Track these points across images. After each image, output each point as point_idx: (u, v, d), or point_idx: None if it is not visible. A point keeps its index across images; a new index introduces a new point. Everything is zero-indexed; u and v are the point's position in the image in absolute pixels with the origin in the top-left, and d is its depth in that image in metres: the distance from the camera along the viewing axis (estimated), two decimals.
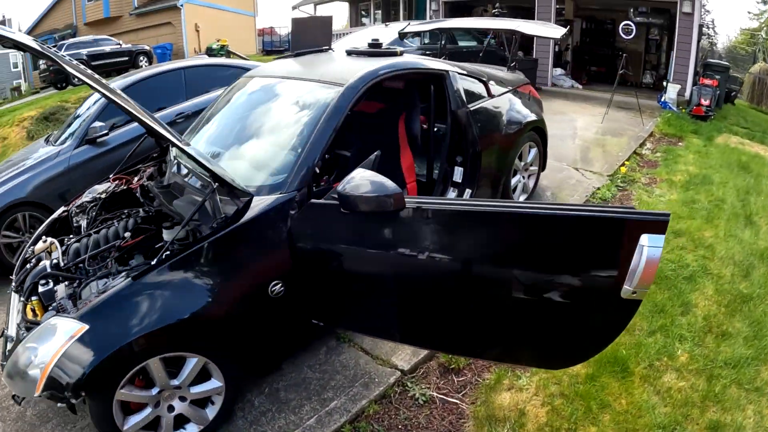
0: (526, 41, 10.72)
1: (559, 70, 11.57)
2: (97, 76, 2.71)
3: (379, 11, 17.84)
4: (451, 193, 4.04)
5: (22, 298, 2.49)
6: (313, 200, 2.59)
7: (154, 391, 2.32)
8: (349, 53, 3.87)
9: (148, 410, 2.34)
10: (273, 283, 2.46)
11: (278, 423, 2.64)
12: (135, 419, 2.31)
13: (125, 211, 3.05)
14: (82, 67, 2.71)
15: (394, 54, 3.74)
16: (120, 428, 2.26)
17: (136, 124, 5.42)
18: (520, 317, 2.20)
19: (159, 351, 2.23)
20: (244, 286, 2.49)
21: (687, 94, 8.14)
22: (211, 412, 2.53)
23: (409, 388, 2.85)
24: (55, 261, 2.60)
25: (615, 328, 2.05)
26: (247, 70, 6.82)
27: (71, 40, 18.19)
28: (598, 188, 5.32)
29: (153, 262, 2.27)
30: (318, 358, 3.07)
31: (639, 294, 1.86)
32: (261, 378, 2.89)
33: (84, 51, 18.04)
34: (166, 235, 2.54)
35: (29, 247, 3.01)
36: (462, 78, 3.99)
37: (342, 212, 2.28)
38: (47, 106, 12.82)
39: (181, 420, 2.47)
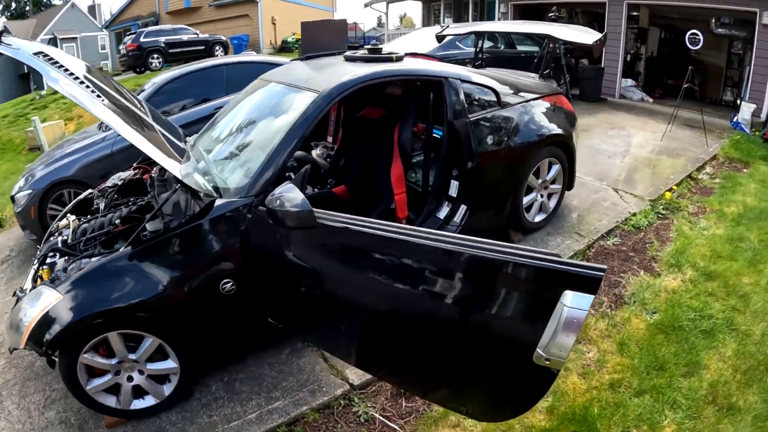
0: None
1: (629, 81, 10.68)
2: (96, 81, 2.87)
3: (450, 12, 17.41)
4: (445, 208, 3.76)
5: (35, 266, 2.91)
6: (260, 206, 2.58)
7: (114, 360, 2.62)
8: (348, 59, 3.72)
9: (108, 376, 2.66)
10: (224, 281, 2.62)
11: (225, 411, 2.81)
12: (97, 382, 2.63)
13: (131, 199, 3.33)
14: (76, 76, 2.62)
15: (389, 60, 3.59)
16: (83, 387, 2.60)
17: (181, 113, 5.76)
18: (438, 355, 1.98)
19: (117, 326, 2.53)
20: (197, 280, 2.66)
21: (763, 115, 7.19)
22: (167, 388, 2.80)
23: (355, 403, 2.82)
24: (65, 238, 2.99)
25: (529, 395, 1.67)
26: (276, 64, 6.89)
27: (151, 28, 19.11)
28: (634, 214, 4.74)
29: (121, 248, 2.59)
30: (279, 358, 3.15)
31: (554, 362, 1.48)
32: (224, 366, 3.07)
33: (162, 39, 18.89)
34: (149, 225, 2.70)
35: (56, 222, 3.40)
36: (466, 85, 3.67)
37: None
38: None
39: (140, 391, 2.77)
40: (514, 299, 1.60)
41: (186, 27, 19.96)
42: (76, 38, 32.75)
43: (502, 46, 9.04)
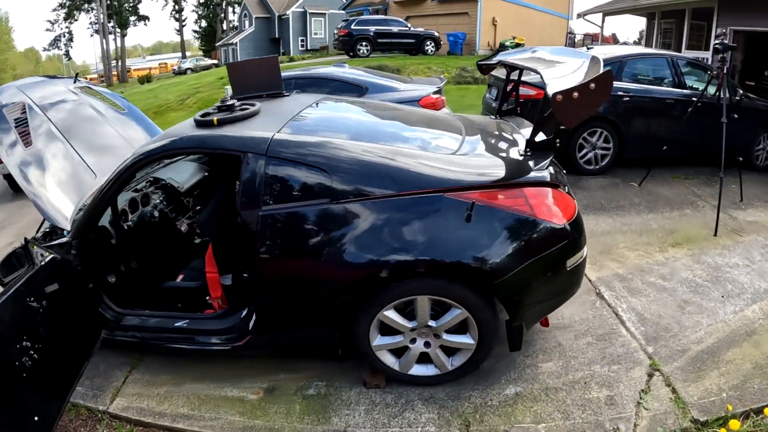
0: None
1: None
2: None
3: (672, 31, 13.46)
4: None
5: None
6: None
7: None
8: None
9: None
10: None
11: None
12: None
13: None
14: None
15: (209, 124, 2.93)
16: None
17: None
18: None
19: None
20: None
21: None
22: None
23: None
24: None
25: None
26: (356, 86, 5.86)
27: (362, 17, 19.52)
28: None
29: None
30: None
31: None
32: None
33: (372, 29, 19.19)
34: None
35: None
36: (275, 164, 2.61)
37: None
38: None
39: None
40: None
41: (399, 19, 19.96)
42: (324, 14, 36.08)
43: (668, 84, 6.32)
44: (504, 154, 3.00)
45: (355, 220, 2.50)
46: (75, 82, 4.28)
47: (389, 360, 2.81)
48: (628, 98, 5.95)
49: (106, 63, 43.26)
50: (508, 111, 4.10)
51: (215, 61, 42.71)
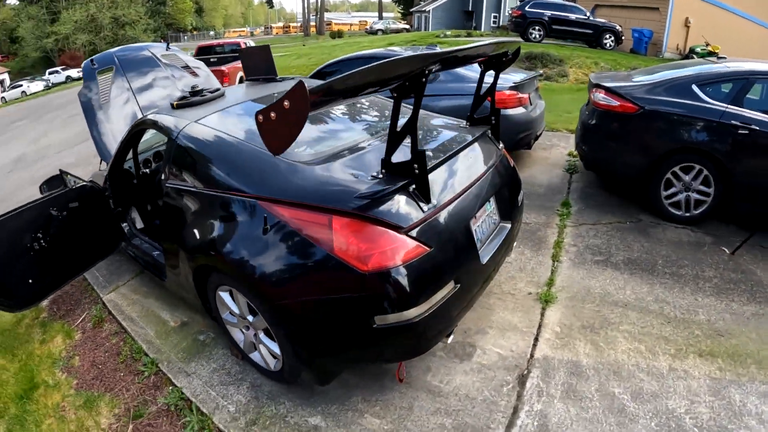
0: None
1: None
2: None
3: None
4: None
5: None
6: None
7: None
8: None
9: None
10: None
11: None
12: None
13: None
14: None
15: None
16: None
17: None
18: None
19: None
20: None
21: None
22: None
23: None
24: None
25: None
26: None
27: (540, 0, 17.72)
28: None
29: None
30: None
31: None
32: None
33: (548, 12, 17.50)
34: None
35: None
36: (181, 149, 2.99)
37: None
38: None
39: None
40: None
41: (579, 7, 17.81)
42: None
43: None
44: (361, 171, 2.37)
45: (197, 208, 2.77)
46: (167, 49, 5.39)
47: (238, 337, 2.97)
48: (746, 131, 4.15)
49: (305, 15, 46.42)
50: (482, 119, 3.09)
51: (407, 26, 43.34)
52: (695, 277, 3.80)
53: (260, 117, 1.75)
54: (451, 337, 2.58)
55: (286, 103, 1.66)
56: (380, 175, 2.25)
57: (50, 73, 41.05)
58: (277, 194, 2.33)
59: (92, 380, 3.18)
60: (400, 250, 2.08)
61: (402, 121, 2.12)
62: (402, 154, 2.22)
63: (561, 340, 3.06)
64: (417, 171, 2.16)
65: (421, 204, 2.24)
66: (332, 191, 2.22)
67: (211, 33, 69.64)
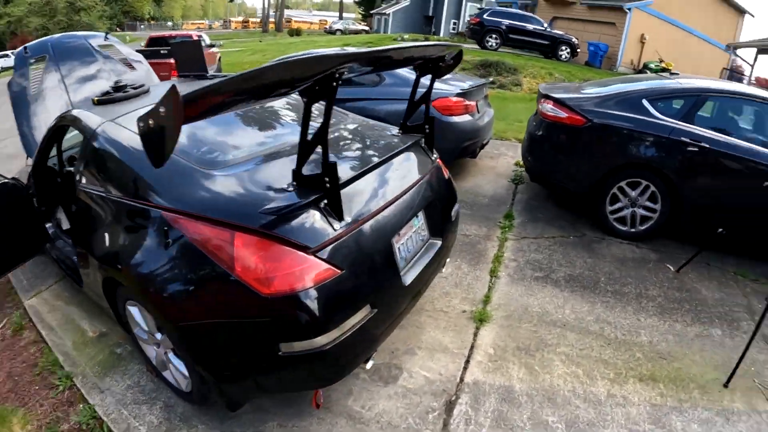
0: None
1: None
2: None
3: None
4: None
5: None
6: None
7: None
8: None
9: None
10: None
11: None
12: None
13: None
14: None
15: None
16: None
17: None
18: None
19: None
20: None
21: None
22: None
23: None
24: None
25: None
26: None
27: (497, 8, 17.89)
28: None
29: None
30: None
31: None
32: None
33: (505, 22, 17.63)
34: None
35: None
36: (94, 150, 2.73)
37: None
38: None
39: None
40: None
41: (536, 17, 18.06)
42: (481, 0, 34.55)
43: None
44: (271, 182, 2.13)
45: (106, 214, 2.55)
46: (106, 39, 5.12)
47: (151, 353, 2.72)
48: (696, 149, 4.11)
49: (264, 10, 45.67)
50: (415, 127, 2.88)
51: (366, 28, 43.24)
52: (638, 295, 3.71)
53: (141, 124, 1.48)
54: (370, 362, 2.35)
55: (161, 109, 1.41)
56: (290, 188, 2.02)
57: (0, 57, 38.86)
58: (179, 205, 2.11)
59: (7, 392, 2.86)
60: (306, 273, 1.86)
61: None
62: (316, 165, 1.99)
63: (494, 363, 2.88)
64: (328, 185, 1.94)
65: (333, 221, 2.01)
66: (237, 205, 1.99)
67: (169, 24, 67.58)
